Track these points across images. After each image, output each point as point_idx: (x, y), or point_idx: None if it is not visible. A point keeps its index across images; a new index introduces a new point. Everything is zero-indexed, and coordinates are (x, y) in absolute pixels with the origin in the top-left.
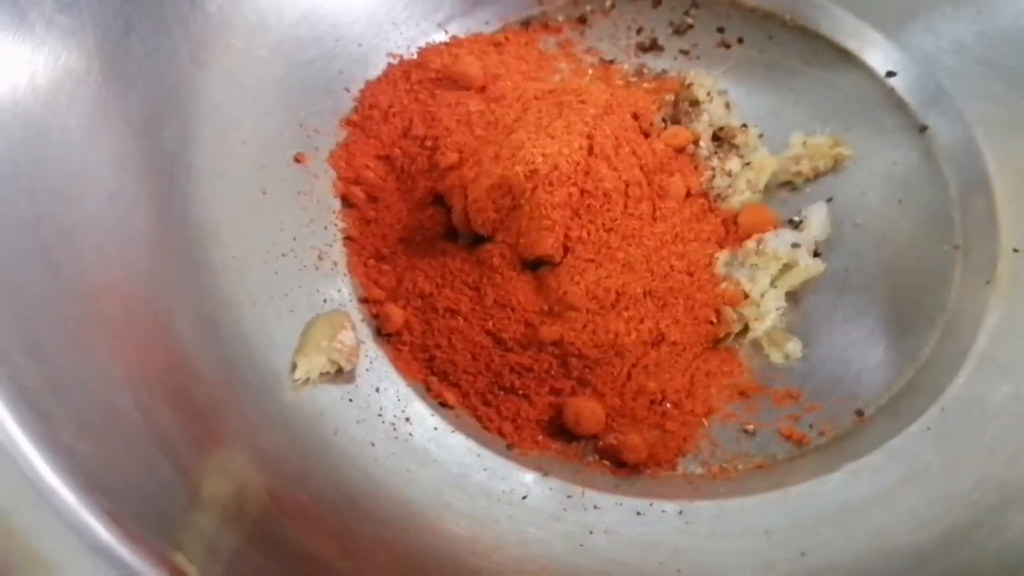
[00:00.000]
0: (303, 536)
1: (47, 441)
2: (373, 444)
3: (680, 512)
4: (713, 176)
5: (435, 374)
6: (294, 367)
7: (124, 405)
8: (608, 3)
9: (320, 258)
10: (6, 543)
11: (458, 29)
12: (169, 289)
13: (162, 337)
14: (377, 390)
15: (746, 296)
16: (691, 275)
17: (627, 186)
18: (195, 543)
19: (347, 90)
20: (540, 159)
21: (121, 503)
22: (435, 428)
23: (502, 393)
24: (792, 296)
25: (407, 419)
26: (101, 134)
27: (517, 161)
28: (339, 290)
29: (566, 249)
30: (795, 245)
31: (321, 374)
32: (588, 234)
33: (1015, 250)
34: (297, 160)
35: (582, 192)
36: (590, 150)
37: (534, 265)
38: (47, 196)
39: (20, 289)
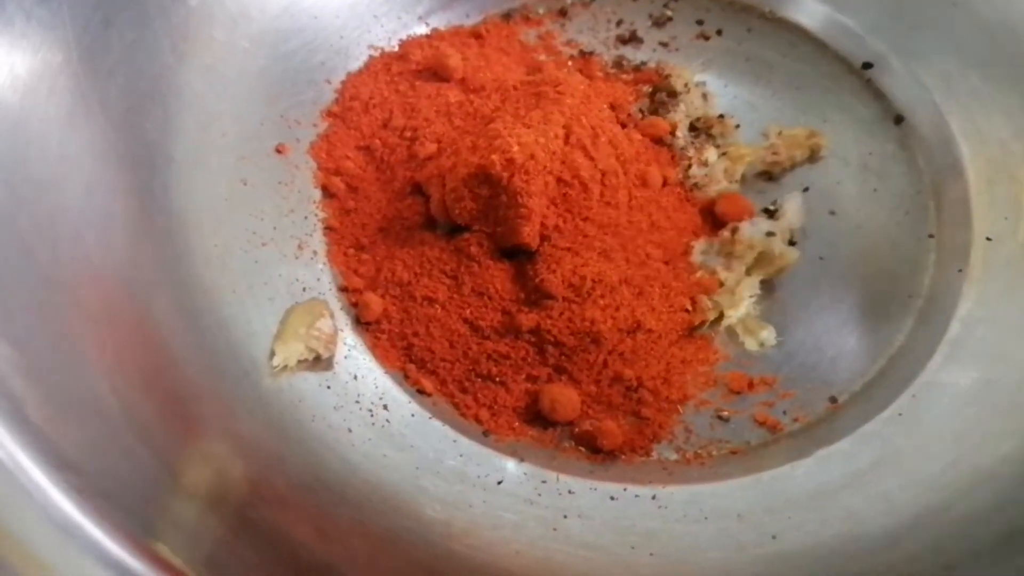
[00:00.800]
0: (282, 521)
1: (17, 420)
2: (350, 430)
3: (653, 497)
4: (690, 166)
5: (413, 362)
6: (272, 354)
7: (100, 391)
8: None
9: (300, 247)
10: None
11: (439, 22)
12: (148, 278)
13: (140, 325)
14: (355, 377)
15: (721, 284)
16: (667, 263)
17: (604, 175)
18: (176, 532)
19: (328, 82)
20: (517, 148)
21: (97, 487)
22: (412, 415)
23: (479, 380)
24: (767, 284)
25: (384, 406)
26: (80, 125)
27: (494, 150)
28: (318, 279)
29: (543, 238)
30: (770, 234)
31: (299, 361)
32: (565, 223)
33: (988, 239)
34: (278, 151)
35: (559, 181)
36: (567, 139)
37: (511, 254)
38: (25, 185)
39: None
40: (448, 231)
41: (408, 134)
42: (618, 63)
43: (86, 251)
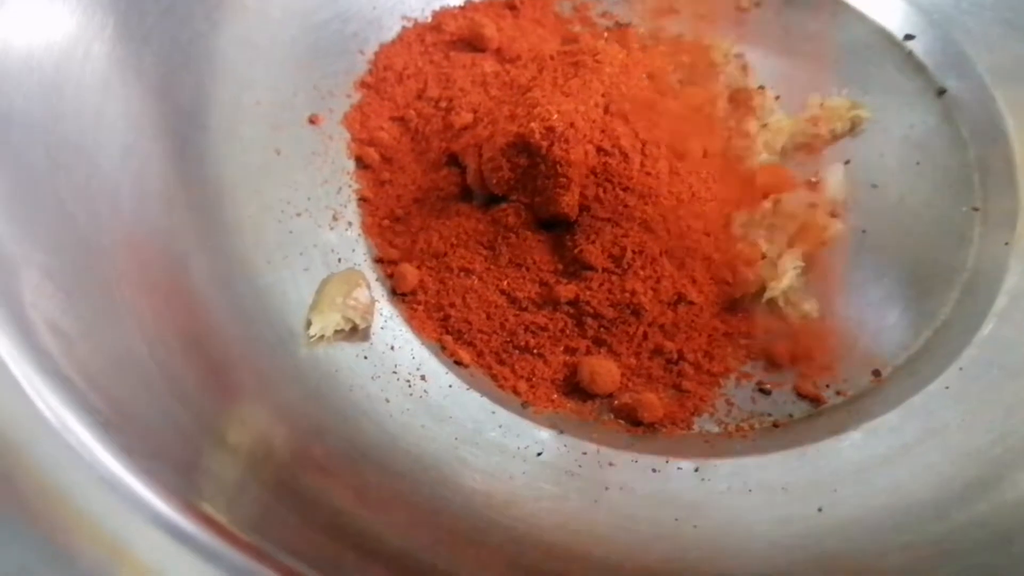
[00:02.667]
0: (322, 488)
1: (61, 381)
2: (388, 400)
3: (696, 469)
4: (730, 137)
5: (449, 333)
6: (309, 324)
7: (140, 355)
8: None
9: (335, 218)
10: (22, 477)
11: None
12: (184, 245)
13: (177, 292)
14: (392, 348)
15: (763, 256)
16: (708, 235)
17: (644, 145)
18: (219, 494)
19: (361, 52)
20: (556, 117)
21: (141, 447)
22: (450, 386)
23: (517, 352)
24: (809, 256)
25: (422, 376)
26: (115, 91)
27: (533, 119)
28: (353, 250)
29: (582, 208)
30: (812, 205)
31: (336, 331)
32: (604, 193)
33: None
34: (311, 121)
35: (598, 150)
36: (607, 109)
37: (549, 224)
38: (63, 149)
39: (36, 237)
40: (485, 202)
41: (443, 104)
42: (654, 35)
43: (123, 218)
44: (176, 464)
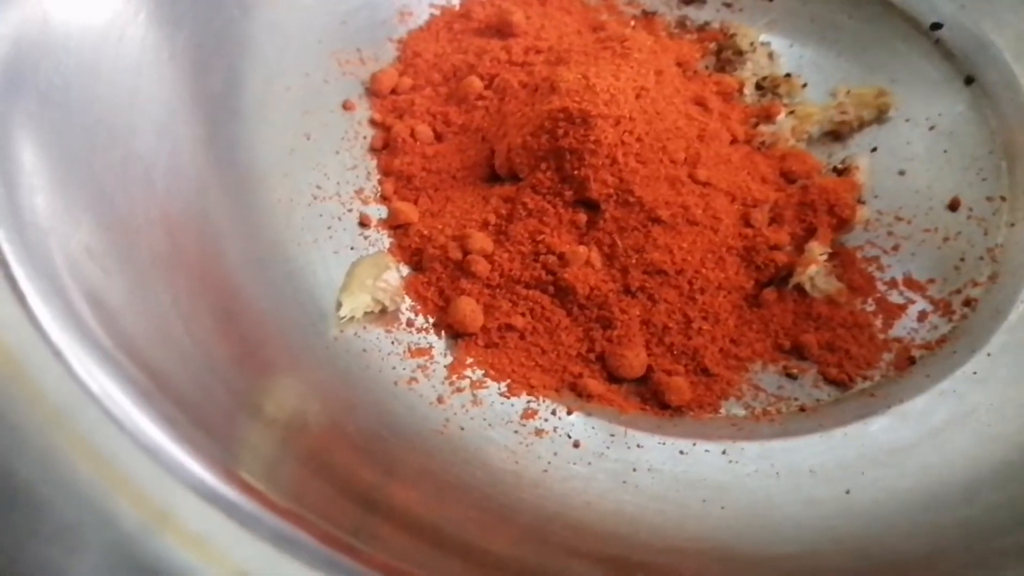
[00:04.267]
0: (354, 465)
1: (103, 354)
2: (416, 380)
3: (724, 451)
4: (757, 124)
5: None
6: (339, 306)
7: (176, 332)
8: None
9: (364, 202)
10: (68, 443)
11: None
12: (217, 227)
13: (210, 271)
14: (420, 330)
15: (790, 242)
16: (736, 220)
17: (672, 130)
18: (255, 465)
19: (390, 39)
20: (585, 103)
21: (180, 417)
22: (480, 369)
23: (545, 335)
24: (836, 242)
25: (450, 359)
26: (149, 74)
27: (562, 104)
28: (381, 233)
29: (611, 192)
30: (839, 191)
31: (365, 313)
32: (633, 177)
33: None
34: (345, 108)
35: (628, 135)
36: (637, 95)
37: (577, 208)
38: (99, 130)
39: (75, 215)
40: (512, 183)
41: (472, 89)
42: (681, 23)
43: (157, 198)
44: (215, 435)
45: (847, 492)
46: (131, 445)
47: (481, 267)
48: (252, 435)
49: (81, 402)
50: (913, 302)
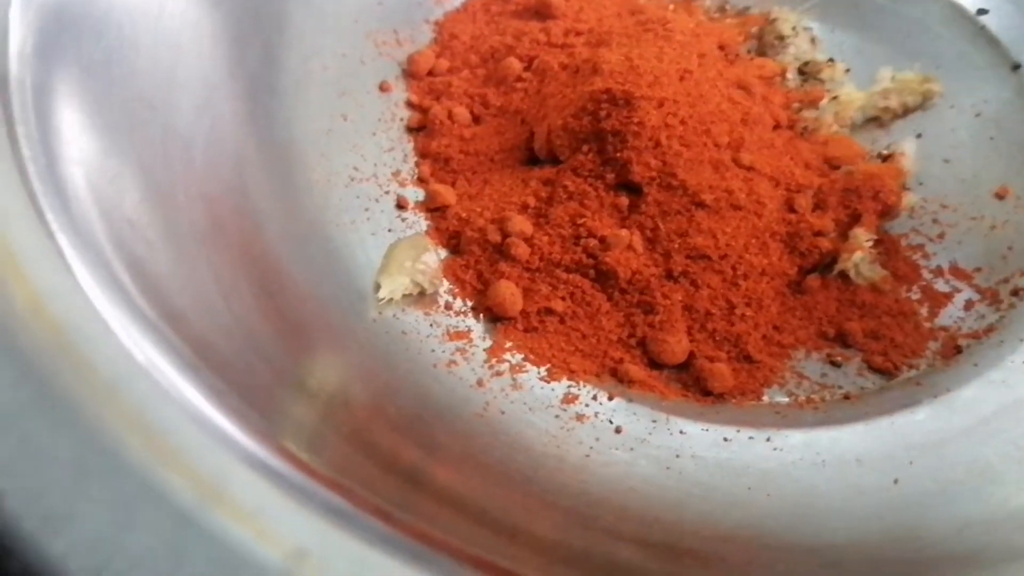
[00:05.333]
0: (395, 444)
1: (149, 327)
2: (455, 363)
3: (768, 439)
4: (800, 109)
5: None
6: (377, 287)
7: (217, 308)
8: None
9: (401, 184)
10: (117, 415)
11: None
12: (255, 206)
13: (249, 249)
14: (459, 313)
15: (834, 228)
16: (779, 206)
17: (715, 113)
18: (301, 439)
19: (427, 21)
20: (629, 84)
21: (226, 389)
22: (520, 353)
23: (586, 320)
24: (880, 229)
25: (490, 343)
26: (187, 50)
27: (605, 85)
28: (419, 215)
29: (653, 176)
30: (884, 177)
31: (404, 295)
32: (676, 160)
33: None
34: (382, 89)
35: (671, 117)
36: (680, 77)
37: (619, 191)
38: (139, 105)
39: (118, 189)
40: (552, 166)
41: (510, 70)
42: (721, 7)
43: (196, 175)
44: (260, 408)
45: (895, 482)
46: (181, 417)
47: (520, 250)
48: (295, 410)
49: (131, 374)
50: (959, 291)
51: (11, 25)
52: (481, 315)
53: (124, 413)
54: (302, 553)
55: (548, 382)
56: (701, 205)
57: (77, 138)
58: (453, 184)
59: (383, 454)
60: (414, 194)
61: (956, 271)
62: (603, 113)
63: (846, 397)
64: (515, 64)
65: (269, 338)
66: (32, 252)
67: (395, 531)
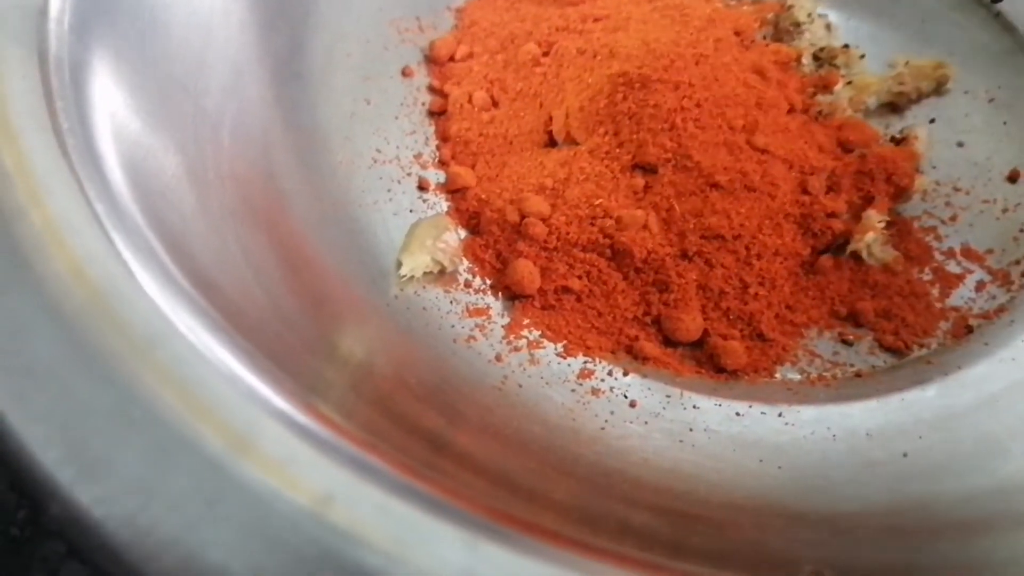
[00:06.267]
0: (420, 415)
1: (185, 297)
2: (474, 339)
3: (780, 414)
4: (815, 94)
5: None
6: (399, 265)
7: (248, 282)
8: None
9: (422, 167)
10: (152, 371)
11: None
12: (281, 186)
13: (275, 228)
14: (478, 291)
15: (847, 209)
16: (792, 188)
17: (730, 97)
18: (329, 399)
19: (448, 8)
20: (645, 67)
21: (255, 349)
22: (536, 330)
23: (601, 298)
24: (893, 211)
25: (507, 320)
26: (217, 34)
27: (622, 68)
28: (439, 196)
29: (668, 158)
30: (897, 160)
31: (425, 273)
32: (691, 141)
33: None
34: (404, 74)
35: (686, 100)
36: (696, 61)
37: (634, 172)
38: (170, 86)
39: (152, 167)
40: (569, 149)
41: (529, 55)
42: None
43: (225, 155)
44: (290, 370)
45: (904, 455)
46: (213, 375)
47: (538, 230)
48: (323, 374)
49: (166, 334)
50: (971, 272)
51: (51, 5)
52: (500, 293)
53: (159, 370)
54: (328, 498)
55: (564, 358)
56: (716, 186)
57: (113, 115)
58: (473, 166)
59: (407, 420)
60: (435, 176)
61: (968, 253)
62: (620, 96)
63: (857, 375)
64: (534, 49)
65: (296, 311)
66: (72, 219)
67: (417, 482)
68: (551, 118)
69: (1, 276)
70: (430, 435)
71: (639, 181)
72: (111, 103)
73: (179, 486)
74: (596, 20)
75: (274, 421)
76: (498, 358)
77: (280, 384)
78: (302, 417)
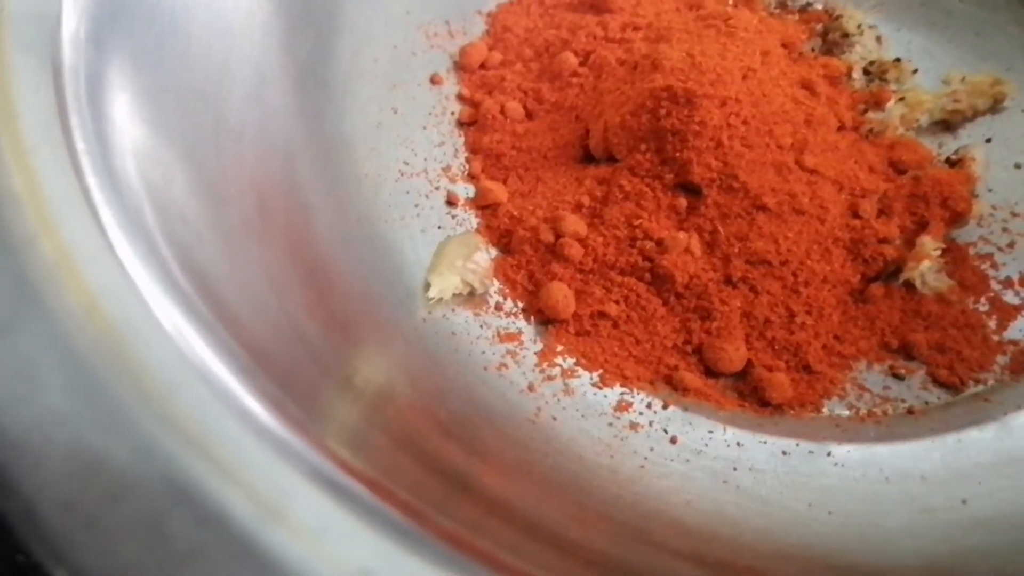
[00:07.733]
0: (443, 449)
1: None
2: (506, 367)
3: (829, 453)
4: (865, 110)
5: None
6: (427, 286)
7: (268, 304)
8: None
9: (452, 180)
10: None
11: None
12: (304, 200)
13: (298, 245)
14: (510, 315)
15: (900, 235)
16: (843, 211)
17: (779, 114)
18: (344, 437)
19: (479, 13)
20: (691, 82)
21: (271, 383)
22: (572, 359)
23: (641, 325)
24: (948, 237)
25: (541, 347)
26: (239, 40)
27: (666, 83)
28: (469, 212)
29: (713, 177)
30: (953, 183)
31: (454, 295)
32: (738, 161)
33: None
34: (433, 82)
35: (733, 117)
36: (744, 75)
37: (677, 192)
38: (190, 94)
39: (170, 180)
40: (607, 164)
41: (565, 65)
42: (782, 3)
43: (247, 167)
44: (306, 406)
45: (964, 502)
46: (238, 427)
47: (574, 251)
48: (340, 410)
49: (186, 380)
50: None
51: (64, 11)
52: (532, 317)
53: (179, 423)
54: (366, 572)
55: (600, 388)
56: (762, 208)
57: (130, 128)
58: (505, 181)
59: (430, 457)
60: (465, 190)
61: None
62: (663, 111)
63: (910, 412)
64: (571, 59)
65: (317, 334)
66: (86, 250)
67: (460, 552)
68: (588, 132)
69: (9, 311)
70: (456, 475)
71: (682, 202)
72: (128, 116)
73: (208, 568)
74: (636, 29)
75: (307, 482)
76: (531, 387)
77: (308, 434)
78: (339, 476)
